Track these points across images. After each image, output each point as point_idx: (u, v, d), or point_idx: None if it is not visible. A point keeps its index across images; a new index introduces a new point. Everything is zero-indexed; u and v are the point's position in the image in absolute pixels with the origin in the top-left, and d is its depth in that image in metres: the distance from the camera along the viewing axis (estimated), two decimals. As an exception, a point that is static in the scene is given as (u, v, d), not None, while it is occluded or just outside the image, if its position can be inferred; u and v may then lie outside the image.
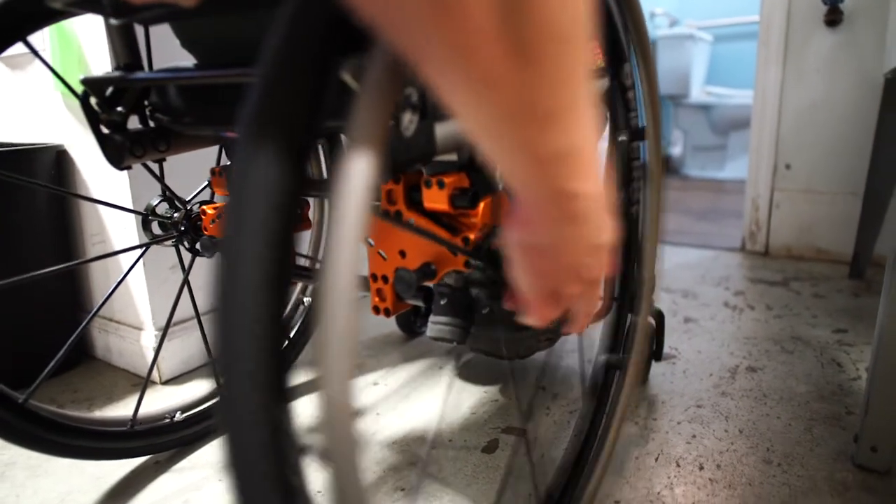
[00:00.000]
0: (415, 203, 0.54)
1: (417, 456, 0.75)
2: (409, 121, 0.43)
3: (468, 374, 0.97)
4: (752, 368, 0.95)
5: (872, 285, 1.31)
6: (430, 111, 0.44)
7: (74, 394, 0.95)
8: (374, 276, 0.57)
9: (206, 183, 0.73)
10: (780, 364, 0.96)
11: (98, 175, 0.97)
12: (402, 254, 0.55)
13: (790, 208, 1.52)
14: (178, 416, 0.78)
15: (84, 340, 1.08)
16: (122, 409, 0.90)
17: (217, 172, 0.67)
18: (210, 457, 0.77)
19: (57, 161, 0.99)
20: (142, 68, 0.60)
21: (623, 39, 0.62)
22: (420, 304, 0.58)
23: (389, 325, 1.18)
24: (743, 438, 0.77)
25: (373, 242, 0.56)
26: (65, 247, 1.02)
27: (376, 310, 0.58)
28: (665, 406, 0.85)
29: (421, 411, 0.86)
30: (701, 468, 0.71)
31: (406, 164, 0.45)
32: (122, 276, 0.96)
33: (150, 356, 0.97)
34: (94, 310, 0.69)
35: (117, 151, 0.58)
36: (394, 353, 1.06)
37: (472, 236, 0.51)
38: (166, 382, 0.98)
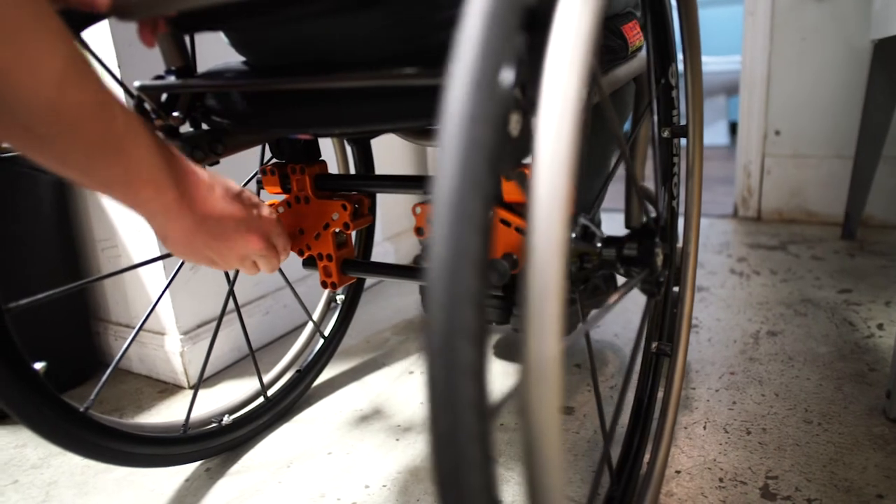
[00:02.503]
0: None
1: (474, 442, 0.76)
2: (515, 121, 0.42)
3: (502, 354, 0.98)
4: (773, 333, 0.99)
5: (865, 245, 1.38)
6: (529, 108, 0.43)
7: (101, 405, 0.92)
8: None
9: (248, 180, 0.70)
10: (796, 327, 1.01)
11: (106, 176, 0.93)
12: (479, 247, 0.55)
13: (780, 173, 1.58)
14: (227, 420, 0.77)
15: (99, 349, 1.04)
16: (153, 418, 0.88)
17: (268, 171, 0.65)
18: (262, 458, 0.76)
19: (60, 164, 0.93)
20: (193, 71, 0.57)
21: (675, 41, 0.62)
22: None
23: (412, 309, 1.18)
24: (780, 401, 0.80)
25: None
26: (72, 253, 0.98)
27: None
28: (700, 375, 0.88)
29: (464, 397, 0.86)
30: (748, 433, 0.74)
31: (515, 165, 0.45)
32: (134, 278, 0.92)
33: (176, 361, 0.94)
34: (142, 321, 0.66)
35: (173, 156, 0.55)
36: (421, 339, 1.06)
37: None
38: (195, 386, 0.95)
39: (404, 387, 0.91)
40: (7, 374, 0.53)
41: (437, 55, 0.45)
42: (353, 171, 0.92)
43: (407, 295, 1.26)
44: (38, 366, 0.57)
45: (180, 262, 0.72)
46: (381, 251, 1.34)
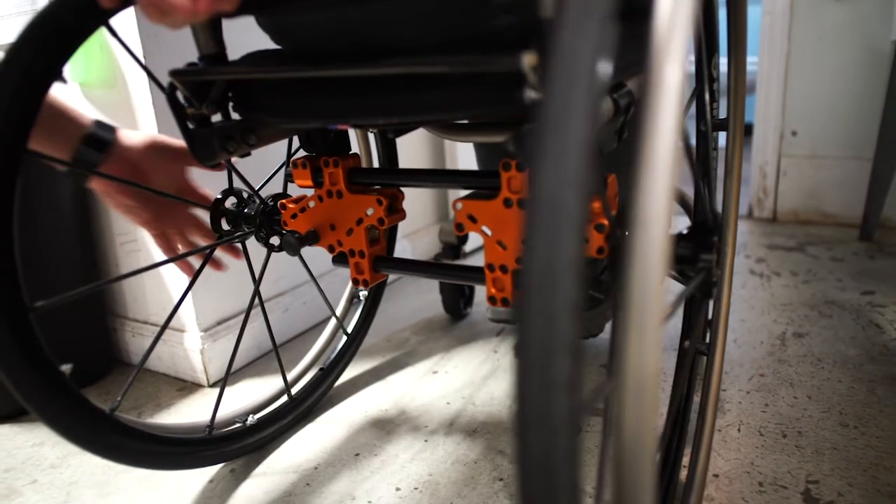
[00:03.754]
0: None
1: (504, 443, 0.74)
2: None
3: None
4: (799, 334, 0.98)
5: (884, 247, 1.37)
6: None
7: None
8: (490, 267, 0.55)
9: (275, 171, 0.68)
10: (823, 329, 0.99)
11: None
12: (525, 243, 0.53)
13: (797, 174, 1.56)
14: (251, 420, 0.75)
15: (116, 346, 1.03)
16: (173, 416, 0.86)
17: (300, 164, 0.64)
18: (288, 459, 0.75)
19: (78, 157, 0.92)
20: (227, 59, 0.56)
21: (721, 32, 0.61)
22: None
23: (432, 308, 1.16)
24: (813, 404, 0.79)
25: (490, 232, 0.54)
26: (90, 249, 0.96)
27: (492, 300, 0.56)
28: (729, 376, 0.87)
29: (490, 396, 0.85)
30: (784, 436, 0.73)
31: None
32: (152, 274, 0.90)
33: (196, 359, 0.93)
34: (166, 319, 0.64)
35: (208, 148, 0.54)
36: (444, 338, 1.05)
37: (605, 221, 0.49)
38: (214, 384, 0.94)
39: (428, 387, 0.89)
40: (32, 376, 0.51)
41: (494, 41, 0.43)
42: (374, 164, 0.91)
43: (424, 293, 1.25)
44: (65, 367, 0.55)
45: (203, 259, 0.70)
46: (398, 248, 1.33)
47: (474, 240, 1.42)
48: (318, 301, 1.11)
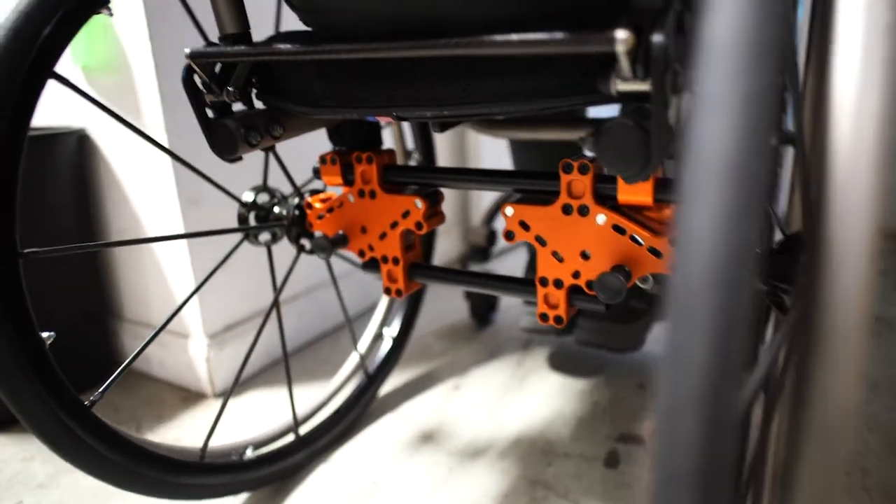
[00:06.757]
0: (604, 196, 0.45)
1: (540, 471, 0.68)
2: (676, 106, 0.35)
3: (559, 366, 0.90)
4: (849, 356, 0.91)
5: (927, 263, 1.30)
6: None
7: (117, 413, 0.84)
8: (543, 281, 0.49)
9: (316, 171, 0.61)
10: (874, 348, 0.93)
11: (125, 161, 0.84)
12: (585, 255, 0.47)
13: (831, 185, 1.50)
14: (250, 454, 0.66)
15: (115, 350, 0.96)
16: (175, 427, 0.80)
17: (329, 160, 0.57)
18: (298, 483, 0.68)
19: (79, 146, 0.85)
20: (251, 39, 0.49)
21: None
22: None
23: (455, 313, 1.10)
24: (874, 436, 0.72)
25: (545, 241, 0.48)
26: (88, 241, 0.89)
27: (544, 317, 0.50)
28: (778, 402, 0.80)
29: (519, 416, 0.78)
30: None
31: (667, 157, 0.37)
32: (156, 274, 0.83)
33: (201, 367, 0.86)
34: (167, 318, 0.58)
35: (229, 139, 0.47)
36: (466, 347, 0.98)
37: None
38: (220, 394, 0.87)
39: (451, 405, 0.83)
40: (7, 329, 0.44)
41: (568, 19, 0.37)
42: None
43: (447, 298, 1.18)
44: (46, 335, 0.48)
45: (237, 244, 0.63)
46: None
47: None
48: (332, 306, 1.04)
